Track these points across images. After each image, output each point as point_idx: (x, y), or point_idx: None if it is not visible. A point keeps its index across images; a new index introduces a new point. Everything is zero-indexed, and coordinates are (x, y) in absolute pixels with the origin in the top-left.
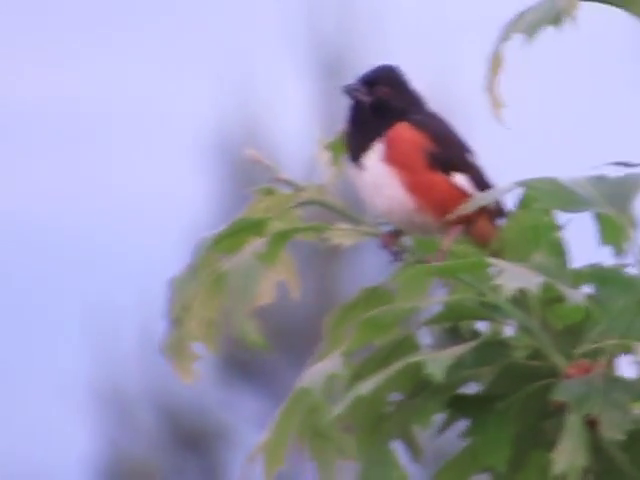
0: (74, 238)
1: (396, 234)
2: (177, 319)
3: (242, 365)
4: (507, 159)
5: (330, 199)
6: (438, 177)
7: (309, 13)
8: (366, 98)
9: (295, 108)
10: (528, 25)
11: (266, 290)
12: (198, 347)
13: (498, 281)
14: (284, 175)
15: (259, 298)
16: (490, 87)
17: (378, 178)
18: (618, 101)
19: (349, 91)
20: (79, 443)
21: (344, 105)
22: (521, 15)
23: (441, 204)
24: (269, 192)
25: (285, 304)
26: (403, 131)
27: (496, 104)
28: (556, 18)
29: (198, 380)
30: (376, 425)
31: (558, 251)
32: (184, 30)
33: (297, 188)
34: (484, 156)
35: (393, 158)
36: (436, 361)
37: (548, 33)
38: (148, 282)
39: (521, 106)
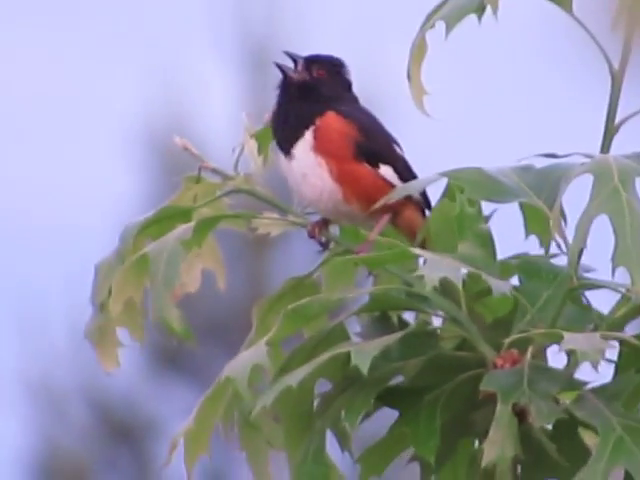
0: (2, 226)
1: (323, 224)
2: (102, 304)
3: (172, 356)
4: (434, 151)
5: (258, 188)
6: (365, 168)
7: (236, 3)
8: (296, 74)
9: (223, 98)
10: (449, 13)
11: (192, 279)
12: (124, 335)
13: (422, 271)
14: (212, 164)
15: (185, 287)
16: (412, 75)
17: (306, 167)
18: (544, 92)
19: (280, 66)
20: (8, 436)
21: (271, 94)
22: (444, 3)
23: (367, 194)
24: (197, 180)
25: (215, 293)
26: (332, 120)
27: (418, 93)
28: (479, 7)
29: (119, 367)
30: (305, 420)
31: (484, 242)
32: (110, 20)
33: (225, 177)
34: (411, 149)
35: (322, 147)
36: (362, 353)
37: (471, 22)
38: (77, 270)
39: (446, 96)
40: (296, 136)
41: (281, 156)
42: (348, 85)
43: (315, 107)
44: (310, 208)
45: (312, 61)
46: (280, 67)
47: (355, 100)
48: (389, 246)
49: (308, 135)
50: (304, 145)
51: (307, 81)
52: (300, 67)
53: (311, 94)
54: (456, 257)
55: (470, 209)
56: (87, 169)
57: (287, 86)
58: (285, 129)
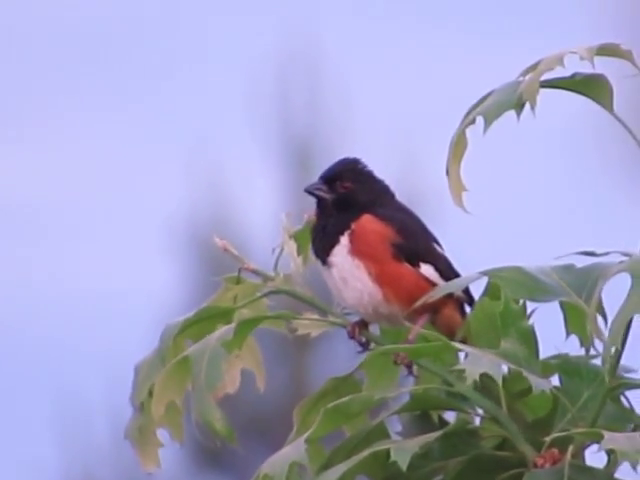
0: (42, 325)
1: (363, 324)
2: (142, 405)
3: (214, 453)
4: (474, 248)
5: (297, 288)
6: (404, 268)
7: (280, 104)
8: (328, 196)
9: (265, 197)
10: (488, 109)
11: (231, 379)
12: (164, 435)
13: (463, 366)
14: (252, 264)
15: (224, 387)
16: (451, 171)
17: (345, 272)
18: (585, 189)
19: (310, 190)
20: None
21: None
22: (483, 99)
23: (408, 294)
24: (237, 281)
25: (257, 393)
26: (368, 223)
27: (457, 189)
28: (517, 103)
29: (159, 467)
30: None
31: (528, 339)
32: (154, 118)
33: (265, 277)
34: (452, 246)
35: (359, 250)
36: (402, 449)
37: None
38: (119, 370)
39: (486, 193)
40: (332, 244)
41: (321, 267)
42: (376, 182)
43: (351, 214)
44: (350, 310)
45: (332, 179)
46: (311, 192)
47: (392, 197)
48: (431, 338)
49: (344, 240)
50: (341, 250)
51: (336, 200)
52: (321, 188)
53: (346, 206)
54: (498, 353)
55: (515, 306)
56: (130, 267)
57: (323, 206)
58: (322, 239)
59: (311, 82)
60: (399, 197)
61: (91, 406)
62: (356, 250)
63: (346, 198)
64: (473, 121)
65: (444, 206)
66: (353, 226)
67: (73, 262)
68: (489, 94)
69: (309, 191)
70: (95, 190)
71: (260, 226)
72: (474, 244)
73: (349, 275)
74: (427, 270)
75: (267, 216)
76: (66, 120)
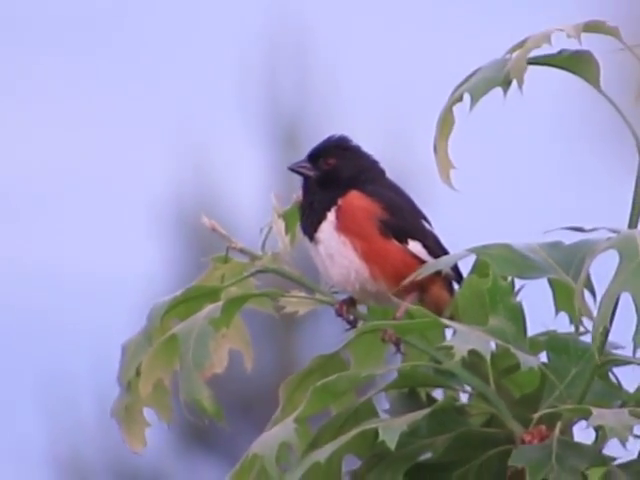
0: (30, 305)
1: (351, 302)
2: (129, 384)
3: (201, 432)
4: (463, 224)
5: (285, 267)
6: (391, 244)
7: (267, 81)
8: (312, 173)
9: (252, 177)
10: (475, 86)
11: (219, 359)
12: (151, 414)
13: (451, 342)
14: (240, 243)
15: (212, 367)
16: (438, 148)
17: (332, 248)
18: (572, 165)
19: (294, 168)
20: None
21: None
22: (469, 77)
23: (395, 271)
24: (225, 260)
25: (243, 371)
26: (354, 199)
27: (444, 166)
28: (504, 80)
29: (146, 447)
30: None
31: (516, 316)
32: (141, 99)
33: (252, 257)
34: (441, 224)
35: (346, 226)
36: (390, 428)
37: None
38: (106, 350)
39: (472, 169)
40: (319, 219)
41: (309, 244)
42: (363, 158)
43: (337, 190)
44: (337, 288)
45: (316, 156)
46: (294, 170)
47: (381, 173)
48: (419, 315)
49: (330, 216)
50: (328, 226)
51: (320, 177)
52: (305, 166)
53: (331, 183)
54: (486, 330)
55: (503, 282)
56: (116, 247)
57: (308, 184)
58: (310, 215)
59: (299, 62)
60: (390, 175)
61: (78, 385)
62: (342, 226)
63: (330, 174)
64: (460, 98)
65: (433, 185)
66: (339, 202)
67: (60, 244)
68: (476, 71)
69: (293, 169)
70: (81, 172)
71: (247, 206)
72: (463, 222)
73: (335, 252)
74: (415, 247)
75: (254, 196)
76: (51, 103)
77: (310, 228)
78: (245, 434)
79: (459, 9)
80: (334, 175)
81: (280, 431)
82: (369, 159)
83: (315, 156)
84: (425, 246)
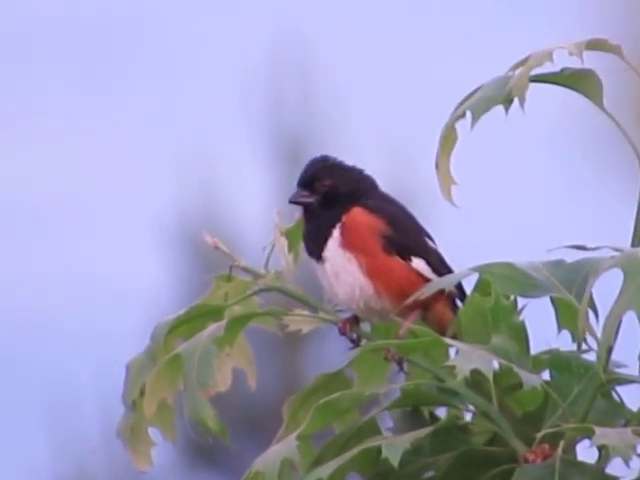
0: (33, 318)
1: (354, 320)
2: (133, 403)
3: (206, 450)
4: (465, 242)
5: (288, 286)
6: (395, 261)
7: (272, 101)
8: (312, 199)
9: (257, 193)
10: (476, 103)
11: (223, 378)
12: (156, 433)
13: (453, 362)
14: (243, 262)
15: (215, 386)
16: (440, 165)
17: (337, 266)
18: (575, 183)
19: (295, 200)
20: None
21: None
22: (471, 94)
23: (399, 288)
24: (228, 279)
25: (248, 389)
26: (358, 216)
27: (446, 182)
28: (506, 98)
29: (151, 466)
30: None
31: (518, 335)
32: (147, 114)
33: (256, 275)
34: (444, 241)
35: (350, 242)
36: (393, 446)
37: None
38: (111, 369)
39: (477, 188)
40: (325, 238)
41: (316, 265)
42: (354, 172)
43: (340, 208)
44: (341, 306)
45: (309, 182)
46: (296, 202)
47: (374, 186)
48: (422, 334)
49: (336, 233)
50: (333, 243)
51: (321, 200)
52: (304, 195)
53: (333, 202)
54: (488, 349)
55: (505, 301)
56: (120, 262)
57: (309, 210)
58: (316, 235)
59: (303, 80)
60: (394, 194)
61: (83, 403)
62: (347, 243)
63: (330, 195)
64: (462, 115)
65: (437, 202)
66: (344, 219)
67: (65, 258)
68: (478, 89)
69: (294, 202)
70: (86, 186)
71: (252, 223)
72: (465, 239)
73: (341, 269)
74: (418, 264)
75: (259, 214)
76: (57, 116)
77: (317, 248)
78: (250, 452)
79: (464, 27)
80: (334, 194)
81: (282, 448)
82: (356, 170)
83: (308, 182)
84: (428, 263)
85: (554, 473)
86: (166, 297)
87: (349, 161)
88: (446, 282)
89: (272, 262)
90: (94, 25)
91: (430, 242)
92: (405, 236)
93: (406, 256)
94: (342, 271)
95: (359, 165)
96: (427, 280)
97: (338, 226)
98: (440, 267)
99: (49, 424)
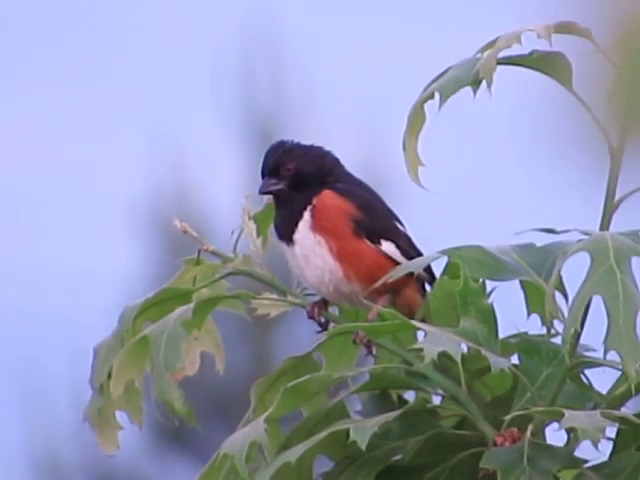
0: (5, 303)
1: (323, 304)
2: (101, 387)
3: (176, 432)
4: (434, 225)
5: (257, 269)
6: (364, 244)
7: (243, 83)
8: (281, 186)
9: (227, 177)
10: (444, 85)
11: (190, 362)
12: (124, 416)
13: (421, 345)
14: (211, 246)
15: (183, 370)
16: (407, 146)
17: (307, 248)
18: (544, 166)
19: (265, 190)
20: None
21: None
22: (440, 75)
23: (368, 272)
24: (197, 262)
25: (216, 372)
26: (328, 198)
27: (413, 164)
28: (474, 80)
29: (118, 450)
30: None
31: (487, 318)
32: (117, 97)
33: (224, 258)
34: (413, 224)
35: (321, 225)
36: (361, 429)
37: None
38: (82, 351)
39: (443, 169)
40: (296, 220)
41: (286, 248)
42: (312, 149)
43: (310, 190)
44: (311, 290)
45: (274, 170)
46: (267, 192)
47: (340, 166)
48: (391, 317)
49: (306, 215)
50: (303, 226)
51: (290, 184)
52: (272, 183)
53: (301, 185)
54: (457, 332)
55: (474, 284)
56: (92, 247)
57: (281, 197)
58: (287, 218)
59: (274, 61)
60: (363, 176)
61: (54, 385)
62: (317, 225)
63: (297, 178)
64: (431, 96)
65: (406, 184)
66: (314, 201)
67: (35, 241)
68: (447, 70)
69: (264, 192)
70: (57, 170)
71: (223, 207)
72: (435, 223)
73: (311, 252)
74: (388, 247)
75: (229, 197)
76: (25, 99)
77: (288, 231)
78: (218, 435)
79: (434, 9)
80: (301, 176)
81: (250, 431)
82: (317, 148)
83: (273, 170)
84: (398, 247)
85: (523, 456)
86: (137, 281)
87: (320, 143)
88: (415, 265)
89: (241, 246)
90: (62, 7)
91: (399, 225)
92: (375, 219)
93: (375, 239)
94: (312, 254)
95: (321, 144)
96: (397, 264)
97: (309, 208)
98: (409, 250)
99: (21, 409)
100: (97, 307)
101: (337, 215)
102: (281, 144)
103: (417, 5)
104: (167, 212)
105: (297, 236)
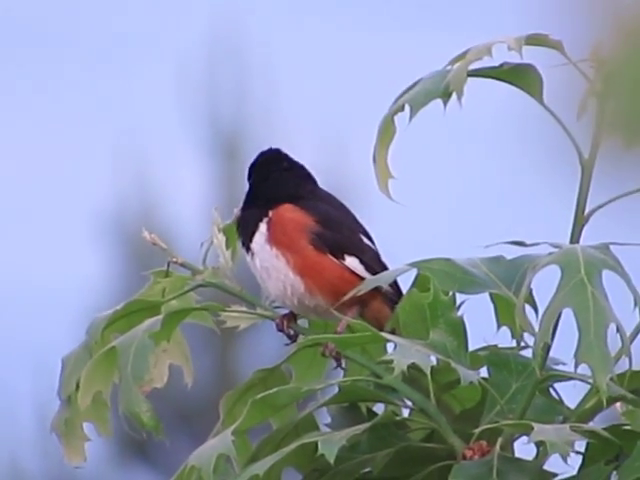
0: None
1: (292, 316)
2: (69, 398)
3: (142, 445)
4: (402, 238)
5: (226, 282)
6: (326, 259)
7: (208, 94)
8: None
9: (193, 189)
10: (415, 97)
11: (159, 374)
12: (91, 428)
13: (391, 356)
14: (181, 258)
15: (152, 382)
16: (378, 158)
17: (265, 261)
18: (514, 179)
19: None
20: None
21: (241, 186)
22: (410, 87)
23: (331, 286)
24: (166, 274)
25: (184, 385)
26: (286, 212)
27: (383, 176)
28: (445, 92)
29: (85, 461)
30: None
31: (457, 331)
32: (81, 106)
33: (194, 270)
34: (379, 235)
35: (277, 238)
36: (329, 442)
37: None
38: (44, 360)
39: (413, 182)
40: (253, 230)
41: (249, 260)
42: (288, 168)
43: (272, 201)
44: (277, 302)
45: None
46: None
47: (316, 189)
48: (360, 329)
49: (262, 227)
50: (260, 238)
51: (254, 191)
52: None
53: (259, 199)
54: (426, 344)
55: (444, 297)
56: (56, 259)
57: (243, 207)
58: (245, 225)
59: (239, 72)
60: (328, 187)
61: (18, 398)
62: (274, 239)
63: (258, 189)
64: (402, 109)
65: (372, 196)
66: (271, 214)
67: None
68: (417, 82)
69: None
70: (20, 179)
71: (190, 219)
72: (402, 235)
73: (270, 265)
74: (352, 262)
75: (196, 208)
76: None
77: (245, 238)
78: (186, 447)
79: (403, 18)
80: (261, 189)
81: (218, 443)
82: (299, 167)
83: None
84: (362, 262)
85: (492, 469)
86: (104, 293)
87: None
88: (383, 279)
89: (210, 258)
90: (25, 20)
91: (366, 240)
92: (338, 234)
93: (338, 254)
94: (271, 267)
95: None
96: (361, 278)
97: (265, 220)
98: (375, 265)
99: None
100: (63, 320)
101: (293, 228)
102: (267, 152)
103: (384, 16)
104: (133, 225)
105: (255, 247)
